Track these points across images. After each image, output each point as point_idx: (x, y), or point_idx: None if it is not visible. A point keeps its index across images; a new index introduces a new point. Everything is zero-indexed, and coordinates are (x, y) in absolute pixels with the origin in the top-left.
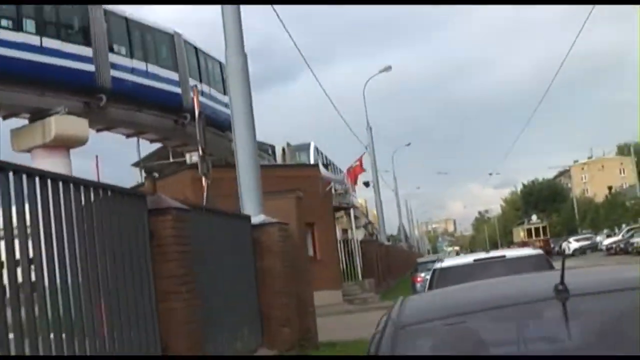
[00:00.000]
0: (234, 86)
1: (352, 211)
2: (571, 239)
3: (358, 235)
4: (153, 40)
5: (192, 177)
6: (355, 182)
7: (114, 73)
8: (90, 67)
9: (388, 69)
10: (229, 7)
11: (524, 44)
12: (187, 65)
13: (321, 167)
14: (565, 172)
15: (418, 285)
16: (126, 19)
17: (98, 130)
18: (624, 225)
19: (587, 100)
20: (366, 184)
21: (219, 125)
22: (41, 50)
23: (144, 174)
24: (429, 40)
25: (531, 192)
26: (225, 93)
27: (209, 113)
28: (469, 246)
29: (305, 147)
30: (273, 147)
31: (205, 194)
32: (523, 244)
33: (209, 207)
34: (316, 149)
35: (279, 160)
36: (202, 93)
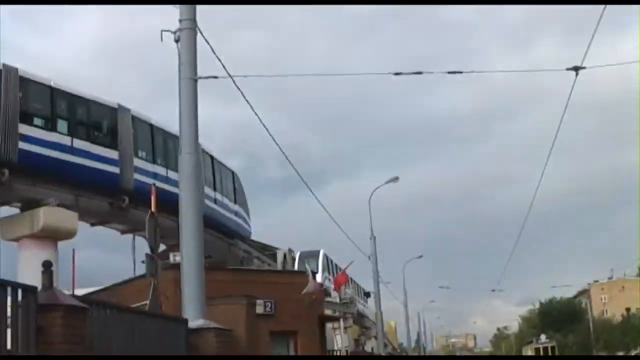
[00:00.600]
0: (184, 184)
1: (341, 321)
2: None
3: (370, 345)
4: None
5: (173, 277)
6: (338, 290)
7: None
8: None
9: (395, 179)
10: (186, 102)
11: (555, 161)
12: (205, 180)
13: (310, 275)
14: (584, 292)
15: None
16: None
17: (92, 225)
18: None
19: (611, 221)
20: (367, 294)
21: (227, 229)
22: None
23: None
24: (455, 154)
25: (548, 310)
26: (236, 202)
27: (219, 218)
28: None
29: (314, 255)
30: (275, 253)
31: (150, 294)
32: None
33: (129, 308)
34: (325, 256)
35: (279, 266)
36: (215, 200)
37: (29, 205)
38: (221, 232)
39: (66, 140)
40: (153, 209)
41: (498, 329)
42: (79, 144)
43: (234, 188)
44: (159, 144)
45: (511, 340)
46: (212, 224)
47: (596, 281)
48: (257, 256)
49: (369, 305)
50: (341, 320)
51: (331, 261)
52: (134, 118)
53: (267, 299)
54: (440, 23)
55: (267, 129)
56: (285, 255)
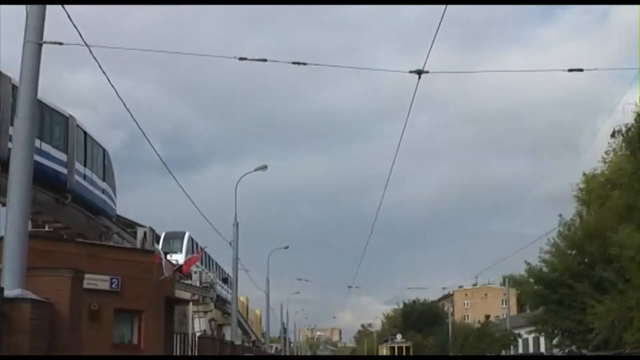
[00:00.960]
0: (17, 149)
1: (190, 305)
2: None
3: (228, 331)
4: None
5: None
6: (185, 272)
7: None
8: None
9: (264, 167)
10: (28, 66)
11: (432, 165)
12: (76, 155)
13: (161, 254)
14: (448, 296)
15: None
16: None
17: None
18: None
19: (483, 229)
20: (225, 280)
21: (93, 206)
22: None
23: None
24: (339, 149)
25: (411, 311)
26: (104, 179)
27: (87, 195)
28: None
29: (179, 236)
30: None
31: None
32: None
33: None
34: (191, 239)
35: (138, 244)
36: (84, 176)
37: None
38: (87, 208)
39: None
40: None
41: (362, 326)
42: None
43: (104, 166)
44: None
45: (373, 338)
46: (79, 199)
47: (461, 287)
48: (117, 232)
49: (229, 290)
50: (191, 304)
51: (196, 244)
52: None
53: (114, 275)
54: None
55: (120, 98)
56: (145, 234)
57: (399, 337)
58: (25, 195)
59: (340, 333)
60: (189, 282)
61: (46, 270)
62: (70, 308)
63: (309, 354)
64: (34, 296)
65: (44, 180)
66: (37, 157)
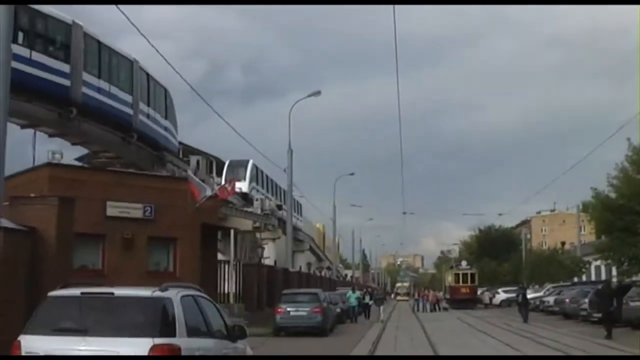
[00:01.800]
0: None
1: (232, 232)
2: (500, 290)
3: (303, 260)
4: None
5: (50, 174)
6: (221, 198)
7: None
8: None
9: (317, 93)
10: None
11: (515, 92)
12: (139, 95)
13: (195, 181)
14: (526, 222)
15: (278, 316)
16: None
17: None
18: (547, 283)
19: (564, 155)
20: (279, 207)
21: (156, 143)
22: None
23: None
24: (418, 75)
25: (487, 237)
26: (166, 117)
27: (150, 133)
28: (429, 284)
29: (243, 164)
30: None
31: None
32: (451, 289)
33: None
34: (255, 167)
35: (191, 171)
36: (148, 116)
37: None
38: (150, 145)
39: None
40: None
41: (442, 252)
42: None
43: (166, 105)
44: (105, 60)
45: (450, 264)
46: (143, 137)
47: (539, 212)
48: (171, 160)
49: (303, 219)
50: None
51: (261, 172)
52: (85, 35)
53: (147, 203)
54: None
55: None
56: (198, 162)
57: (463, 263)
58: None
59: (422, 259)
60: (250, 209)
61: (33, 199)
62: (58, 236)
63: (387, 280)
64: (9, 224)
65: (113, 121)
66: (106, 100)
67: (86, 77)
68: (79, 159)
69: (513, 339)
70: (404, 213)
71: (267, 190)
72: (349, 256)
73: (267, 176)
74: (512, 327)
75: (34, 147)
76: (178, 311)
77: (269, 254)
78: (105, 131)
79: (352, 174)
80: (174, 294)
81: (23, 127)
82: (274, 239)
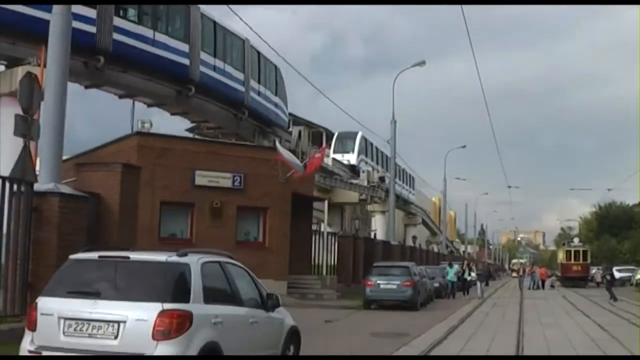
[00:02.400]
0: (53, 43)
1: (325, 205)
2: (614, 269)
3: (413, 233)
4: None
5: (138, 143)
6: (312, 172)
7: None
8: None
9: (422, 63)
10: None
11: None
12: (251, 73)
13: (283, 152)
14: None
15: (368, 289)
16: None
17: (86, 87)
18: None
19: None
20: (381, 179)
21: (266, 119)
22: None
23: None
24: (542, 48)
25: (607, 214)
26: (276, 94)
27: (261, 110)
28: (548, 261)
29: (352, 136)
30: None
31: (18, 156)
32: (562, 267)
33: None
34: (364, 139)
35: (293, 143)
36: (259, 93)
37: (14, 63)
38: (261, 121)
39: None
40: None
41: (562, 229)
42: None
43: (276, 82)
44: (220, 39)
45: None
46: (254, 114)
47: None
48: (273, 131)
49: (416, 191)
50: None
51: (371, 144)
52: (202, 15)
53: (236, 173)
54: None
55: None
56: (300, 133)
57: (575, 240)
58: (61, 84)
59: (543, 236)
60: (356, 181)
61: (98, 165)
62: (121, 202)
63: (507, 257)
64: (66, 190)
65: (227, 98)
66: (221, 77)
67: (203, 56)
68: (189, 130)
69: (609, 319)
70: (509, 187)
71: (378, 163)
72: (469, 232)
73: (377, 148)
74: (615, 307)
75: (132, 118)
76: (195, 277)
77: (378, 227)
78: (219, 108)
79: (463, 146)
80: (194, 260)
81: (149, 105)
82: (383, 212)
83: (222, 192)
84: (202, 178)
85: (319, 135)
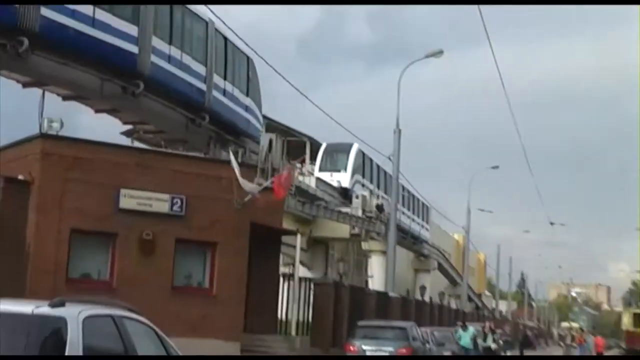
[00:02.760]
0: None
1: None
2: None
3: (427, 280)
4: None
5: (42, 149)
6: (279, 197)
7: None
8: None
9: (439, 53)
10: None
11: None
12: (214, 67)
13: (235, 167)
14: None
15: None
16: None
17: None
18: None
19: None
20: (378, 208)
21: (233, 127)
22: None
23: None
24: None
25: None
26: (248, 94)
27: (226, 114)
28: (614, 326)
29: (344, 149)
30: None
31: None
32: (627, 335)
33: None
34: (361, 153)
35: (261, 155)
36: (224, 92)
37: None
38: (227, 129)
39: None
40: None
41: (634, 284)
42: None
43: (248, 78)
44: (177, 21)
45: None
46: (217, 120)
47: None
48: (236, 139)
49: (431, 225)
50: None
51: (370, 161)
52: None
53: (176, 193)
54: None
55: None
56: (271, 142)
57: None
58: None
59: (608, 292)
60: (346, 209)
61: None
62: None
63: (556, 318)
64: None
65: (182, 99)
66: (175, 71)
67: (156, 42)
68: (126, 134)
69: None
70: (552, 224)
71: (379, 187)
72: (503, 283)
73: (378, 167)
74: None
75: (40, 114)
76: (73, 336)
77: (375, 272)
78: (170, 109)
79: (495, 167)
80: (73, 313)
81: (65, 98)
82: (383, 252)
83: (156, 220)
84: (129, 200)
85: (300, 147)
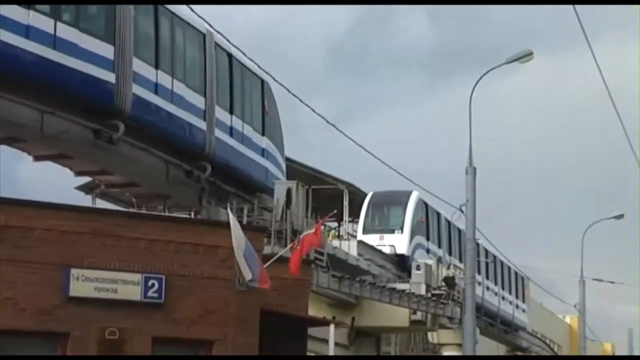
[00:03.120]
0: None
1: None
2: None
3: None
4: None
5: None
6: (296, 272)
7: None
8: None
9: (528, 56)
10: None
11: None
12: (217, 97)
13: (235, 233)
14: None
15: None
16: None
17: None
18: None
19: None
20: (448, 282)
21: (245, 179)
22: None
23: None
24: None
25: None
26: (263, 132)
27: (235, 163)
28: None
29: (399, 200)
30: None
31: None
32: None
33: None
34: (422, 204)
35: (277, 212)
36: (231, 131)
37: None
38: (237, 183)
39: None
40: None
41: None
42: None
43: (263, 108)
44: (164, 36)
45: None
46: (223, 170)
47: None
48: (238, 192)
49: (530, 304)
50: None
51: (437, 214)
52: None
53: (151, 272)
54: None
55: None
56: (289, 192)
57: None
58: None
59: None
60: (405, 287)
61: None
62: None
63: None
64: None
65: (175, 144)
66: (167, 106)
67: (138, 65)
68: (83, 189)
69: None
70: None
71: (450, 252)
72: None
73: (449, 223)
74: None
75: None
76: None
77: None
78: (170, 165)
79: (620, 216)
80: None
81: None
82: (459, 345)
83: (124, 312)
84: (84, 284)
85: (336, 198)
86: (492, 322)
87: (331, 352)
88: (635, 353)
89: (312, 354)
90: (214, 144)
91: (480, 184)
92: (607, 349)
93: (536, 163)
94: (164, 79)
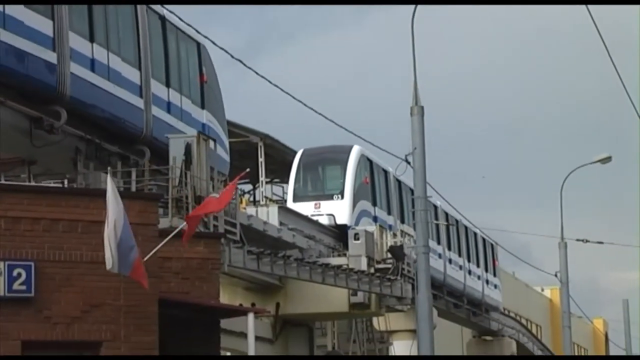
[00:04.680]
0: None
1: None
2: None
3: None
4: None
5: None
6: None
7: None
8: None
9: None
10: None
11: None
12: (150, 66)
13: (112, 207)
14: None
15: None
16: None
17: None
18: None
19: None
20: (394, 252)
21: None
22: None
23: None
24: None
25: None
26: (203, 105)
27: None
28: None
29: (338, 157)
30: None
31: None
32: None
33: None
34: (366, 158)
35: (171, 173)
36: (169, 106)
37: None
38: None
39: None
40: None
41: None
42: None
43: (201, 76)
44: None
45: None
46: (161, 152)
47: None
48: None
49: (502, 277)
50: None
51: (384, 172)
52: None
53: (15, 259)
54: None
55: None
56: (188, 148)
57: None
58: None
59: None
60: (341, 262)
61: None
62: None
63: None
64: None
65: (113, 124)
66: (104, 84)
67: (74, 40)
68: None
69: None
70: None
71: (401, 218)
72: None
73: (400, 182)
74: None
75: None
76: None
77: None
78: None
79: (607, 159)
80: None
81: None
82: (412, 332)
83: None
84: None
85: (249, 153)
86: (457, 302)
87: (251, 349)
88: (634, 328)
89: (228, 353)
90: (152, 124)
91: (430, 127)
92: (598, 326)
93: (501, 100)
94: (99, 53)
